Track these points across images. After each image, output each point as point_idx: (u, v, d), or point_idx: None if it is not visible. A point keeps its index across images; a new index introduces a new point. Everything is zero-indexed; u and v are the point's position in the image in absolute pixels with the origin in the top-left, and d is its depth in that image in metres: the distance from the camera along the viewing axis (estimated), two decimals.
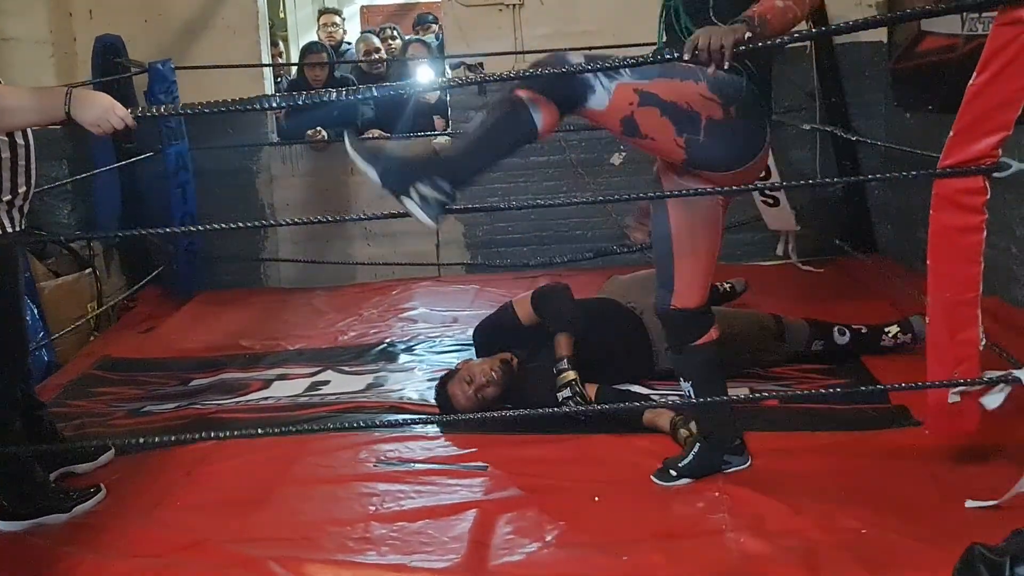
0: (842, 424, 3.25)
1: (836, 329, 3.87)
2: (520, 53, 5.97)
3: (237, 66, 5.93)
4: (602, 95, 2.45)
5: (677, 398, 3.63)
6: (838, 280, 5.31)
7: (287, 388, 4.13)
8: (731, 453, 2.93)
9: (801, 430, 3.23)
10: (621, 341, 3.80)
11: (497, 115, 2.49)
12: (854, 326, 3.90)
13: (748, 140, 2.61)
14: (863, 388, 3.38)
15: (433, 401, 3.69)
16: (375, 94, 3.13)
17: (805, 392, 3.62)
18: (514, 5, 6.02)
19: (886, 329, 3.88)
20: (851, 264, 5.55)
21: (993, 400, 2.61)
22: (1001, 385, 2.60)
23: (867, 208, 5.94)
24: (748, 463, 2.93)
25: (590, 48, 5.59)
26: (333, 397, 3.96)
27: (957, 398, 2.66)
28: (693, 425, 3.07)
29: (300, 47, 7.21)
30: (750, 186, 2.97)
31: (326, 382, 4.20)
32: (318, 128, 6.10)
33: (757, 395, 3.48)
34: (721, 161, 2.60)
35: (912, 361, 3.64)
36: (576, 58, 2.45)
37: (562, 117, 2.50)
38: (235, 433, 3.25)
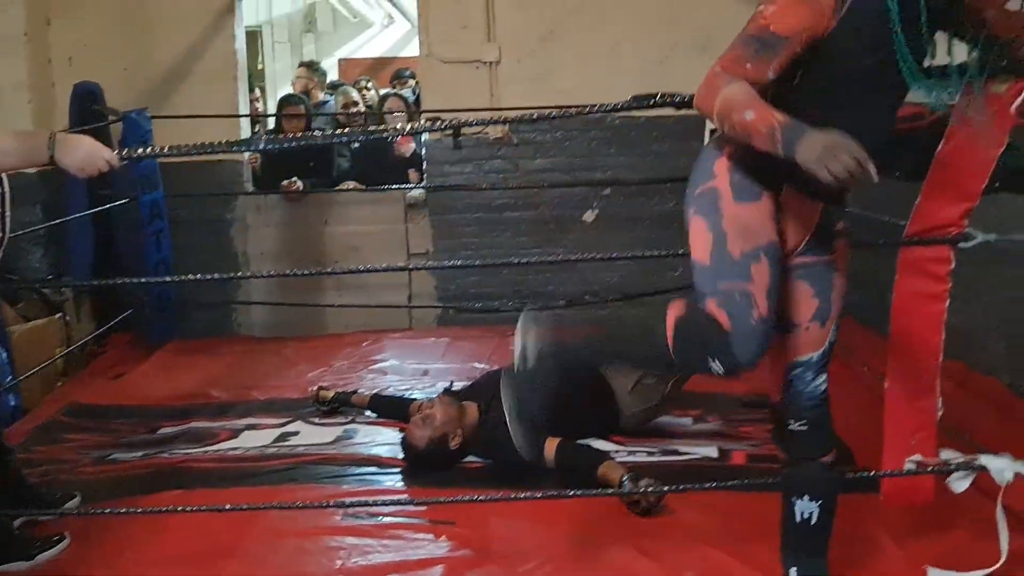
0: None
1: None
2: (496, 110, 6.05)
3: (214, 116, 5.97)
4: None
5: (645, 454, 3.67)
6: None
7: (256, 438, 4.12)
8: None
9: (769, 491, 3.24)
10: (584, 395, 3.84)
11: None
12: None
13: None
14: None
15: (400, 455, 3.71)
16: (359, 139, 3.18)
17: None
18: (491, 63, 6.10)
19: None
20: None
21: (960, 485, 2.65)
22: (968, 471, 2.64)
23: None
24: None
25: (563, 107, 5.71)
26: (302, 448, 3.95)
27: (913, 466, 2.70)
28: (644, 482, 3.07)
29: (278, 99, 7.28)
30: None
31: (295, 433, 4.19)
32: (293, 178, 6.13)
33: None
34: None
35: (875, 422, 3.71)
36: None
37: None
38: (202, 483, 3.23)
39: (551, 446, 3.45)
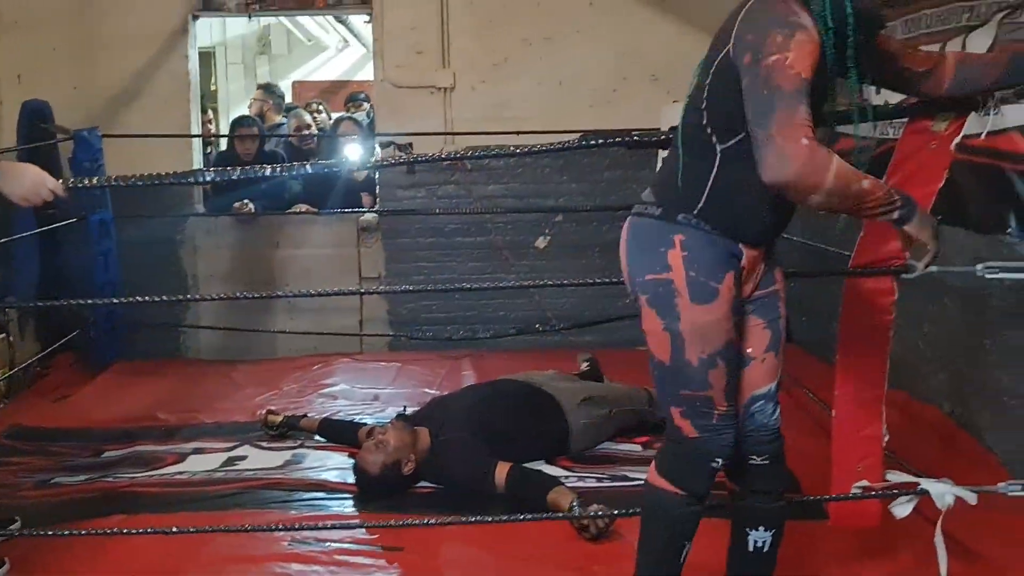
0: None
1: None
2: (450, 134, 6.08)
3: (166, 136, 5.94)
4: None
5: (595, 480, 3.68)
6: None
7: (203, 462, 4.07)
8: None
9: (711, 516, 3.27)
10: (534, 420, 3.86)
11: None
12: None
13: None
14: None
15: (352, 480, 3.69)
16: (309, 170, 3.18)
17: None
18: (445, 89, 6.13)
19: None
20: None
21: (902, 510, 2.70)
22: (910, 496, 2.69)
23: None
24: None
25: (519, 132, 5.78)
26: (250, 473, 3.91)
27: (859, 491, 2.74)
28: (593, 508, 3.10)
29: (231, 120, 7.25)
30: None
31: (243, 457, 4.14)
32: (245, 201, 6.10)
33: None
34: None
35: (821, 451, 3.77)
36: None
37: None
38: (148, 508, 3.19)
39: (502, 471, 3.47)
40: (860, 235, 2.66)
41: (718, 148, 2.17)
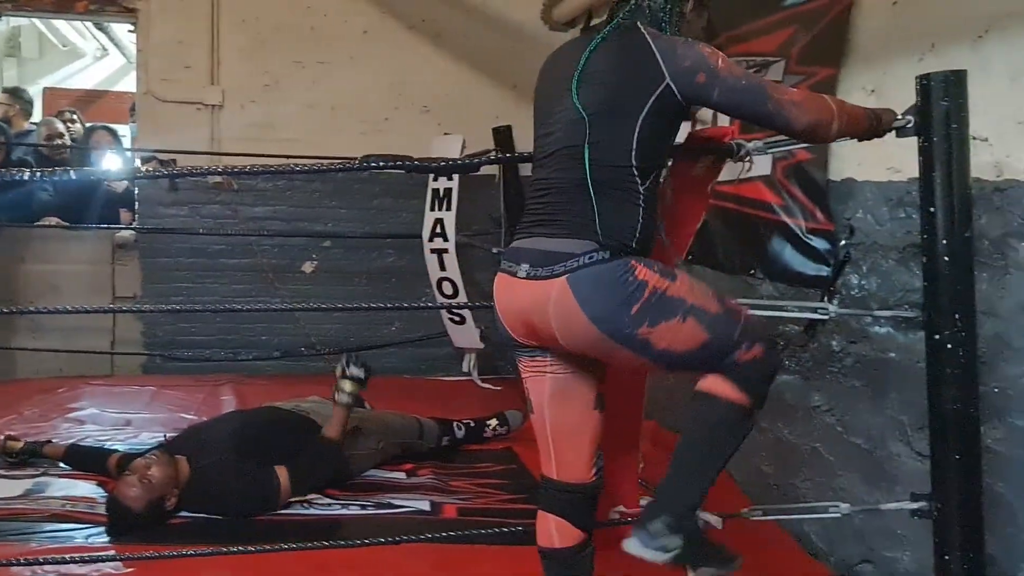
0: (515, 539, 3.39)
1: (455, 424, 4.44)
2: (216, 154, 5.92)
3: None
4: None
5: (359, 507, 3.67)
6: (509, 396, 5.52)
7: None
8: None
9: (479, 543, 3.34)
10: (298, 448, 3.80)
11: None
12: (465, 420, 4.49)
13: None
14: None
15: (99, 509, 3.50)
16: (73, 176, 3.02)
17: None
18: (214, 106, 5.98)
19: (487, 422, 4.55)
20: None
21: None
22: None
23: None
24: None
25: (288, 156, 5.71)
26: None
27: (617, 516, 2.87)
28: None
29: None
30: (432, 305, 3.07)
31: None
32: None
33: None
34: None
35: None
36: None
37: None
38: None
39: (283, 473, 3.52)
40: None
41: (640, 190, 2.23)
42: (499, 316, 2.41)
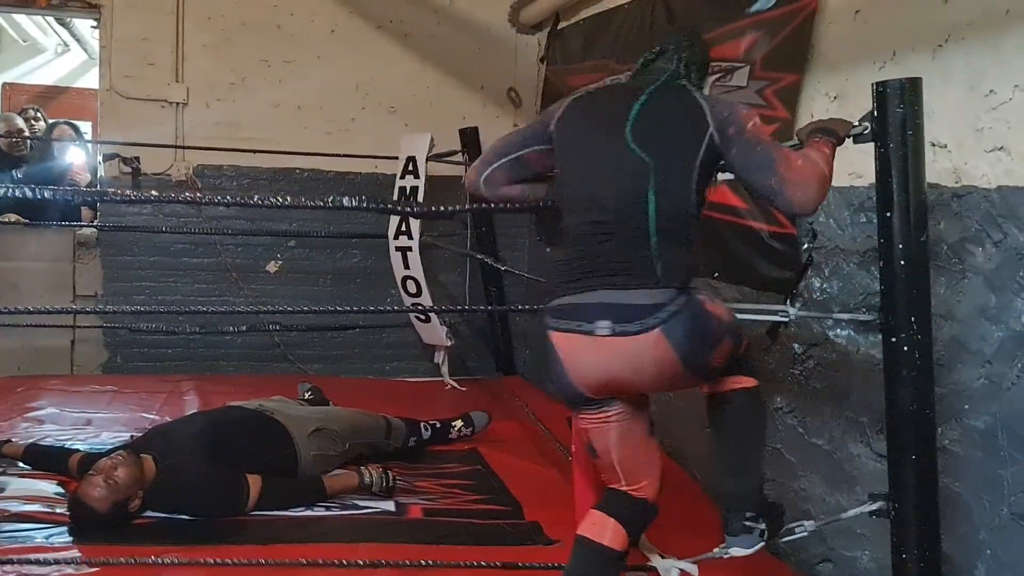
0: (481, 538, 3.41)
1: (422, 425, 4.45)
2: (180, 147, 5.87)
3: None
4: None
5: (324, 508, 3.66)
6: (474, 397, 5.55)
7: None
8: None
9: (443, 543, 3.34)
10: (262, 447, 3.78)
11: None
12: (431, 422, 4.50)
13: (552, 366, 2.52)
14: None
15: (60, 509, 3.47)
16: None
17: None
18: (178, 103, 5.93)
19: (452, 424, 4.57)
20: (492, 383, 5.88)
21: None
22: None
23: (509, 333, 6.32)
24: None
25: (254, 151, 5.70)
26: None
27: None
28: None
29: None
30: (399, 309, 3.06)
31: None
32: None
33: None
34: (565, 397, 2.58)
35: (545, 476, 3.97)
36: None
37: None
38: None
39: (255, 484, 3.48)
40: None
41: (693, 233, 2.38)
42: (566, 376, 2.42)
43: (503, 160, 2.65)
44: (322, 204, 2.99)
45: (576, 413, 2.57)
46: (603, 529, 2.53)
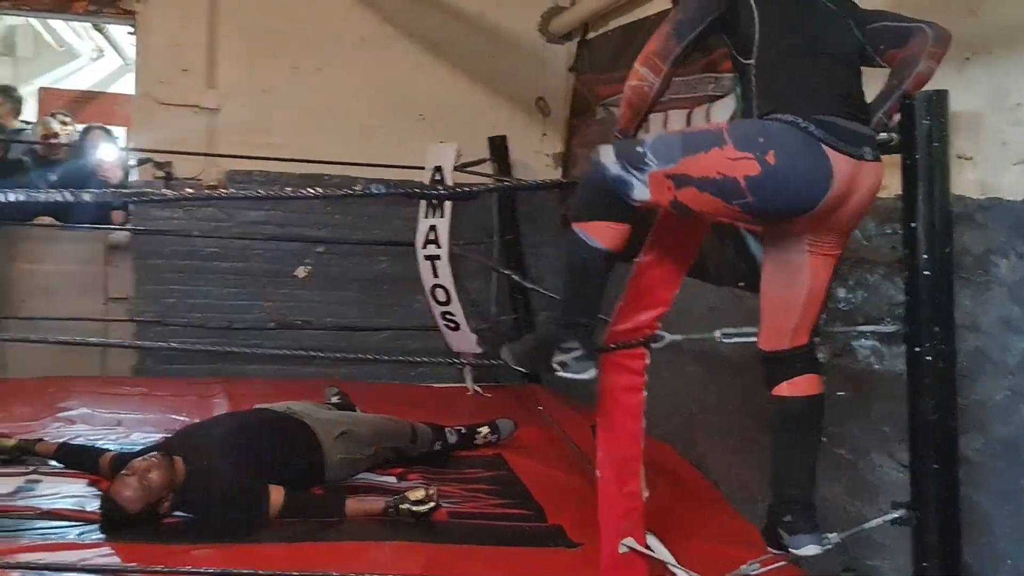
0: (504, 539, 3.44)
1: (447, 431, 4.49)
2: (212, 155, 5.94)
3: None
4: (641, 188, 2.37)
5: None
6: (499, 405, 5.58)
7: None
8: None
9: (468, 543, 3.38)
10: (289, 450, 3.83)
11: (569, 258, 2.57)
12: (456, 427, 4.55)
13: (808, 179, 2.28)
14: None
15: (90, 508, 3.53)
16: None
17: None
18: (211, 109, 6.00)
19: (478, 430, 4.60)
20: (516, 390, 5.91)
21: None
22: None
23: None
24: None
25: (283, 159, 5.76)
26: None
27: (627, 549, 2.90)
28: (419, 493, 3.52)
29: None
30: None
31: None
32: None
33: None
34: (788, 211, 2.34)
35: (568, 483, 4.00)
36: (607, 157, 2.41)
37: (625, 222, 2.43)
38: None
39: (277, 496, 3.48)
40: (619, 303, 2.79)
41: None
42: (825, 194, 2.30)
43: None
44: (351, 192, 3.05)
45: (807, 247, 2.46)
46: (800, 386, 2.60)
